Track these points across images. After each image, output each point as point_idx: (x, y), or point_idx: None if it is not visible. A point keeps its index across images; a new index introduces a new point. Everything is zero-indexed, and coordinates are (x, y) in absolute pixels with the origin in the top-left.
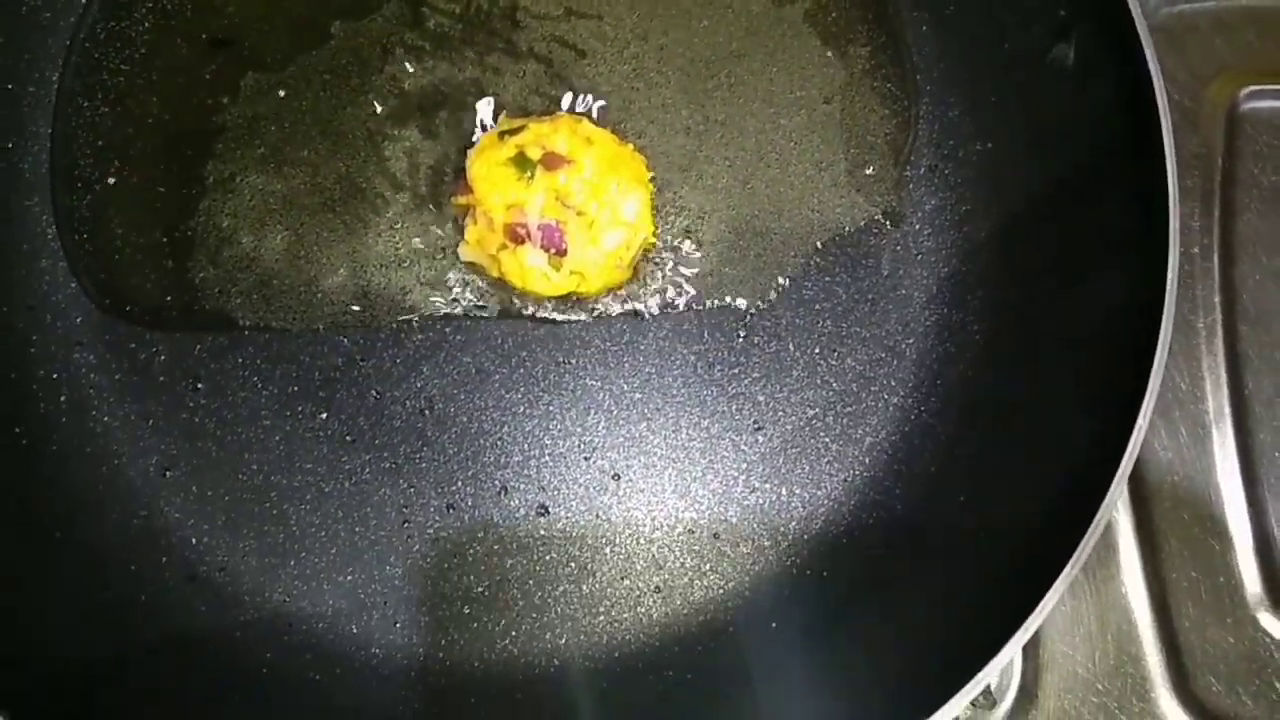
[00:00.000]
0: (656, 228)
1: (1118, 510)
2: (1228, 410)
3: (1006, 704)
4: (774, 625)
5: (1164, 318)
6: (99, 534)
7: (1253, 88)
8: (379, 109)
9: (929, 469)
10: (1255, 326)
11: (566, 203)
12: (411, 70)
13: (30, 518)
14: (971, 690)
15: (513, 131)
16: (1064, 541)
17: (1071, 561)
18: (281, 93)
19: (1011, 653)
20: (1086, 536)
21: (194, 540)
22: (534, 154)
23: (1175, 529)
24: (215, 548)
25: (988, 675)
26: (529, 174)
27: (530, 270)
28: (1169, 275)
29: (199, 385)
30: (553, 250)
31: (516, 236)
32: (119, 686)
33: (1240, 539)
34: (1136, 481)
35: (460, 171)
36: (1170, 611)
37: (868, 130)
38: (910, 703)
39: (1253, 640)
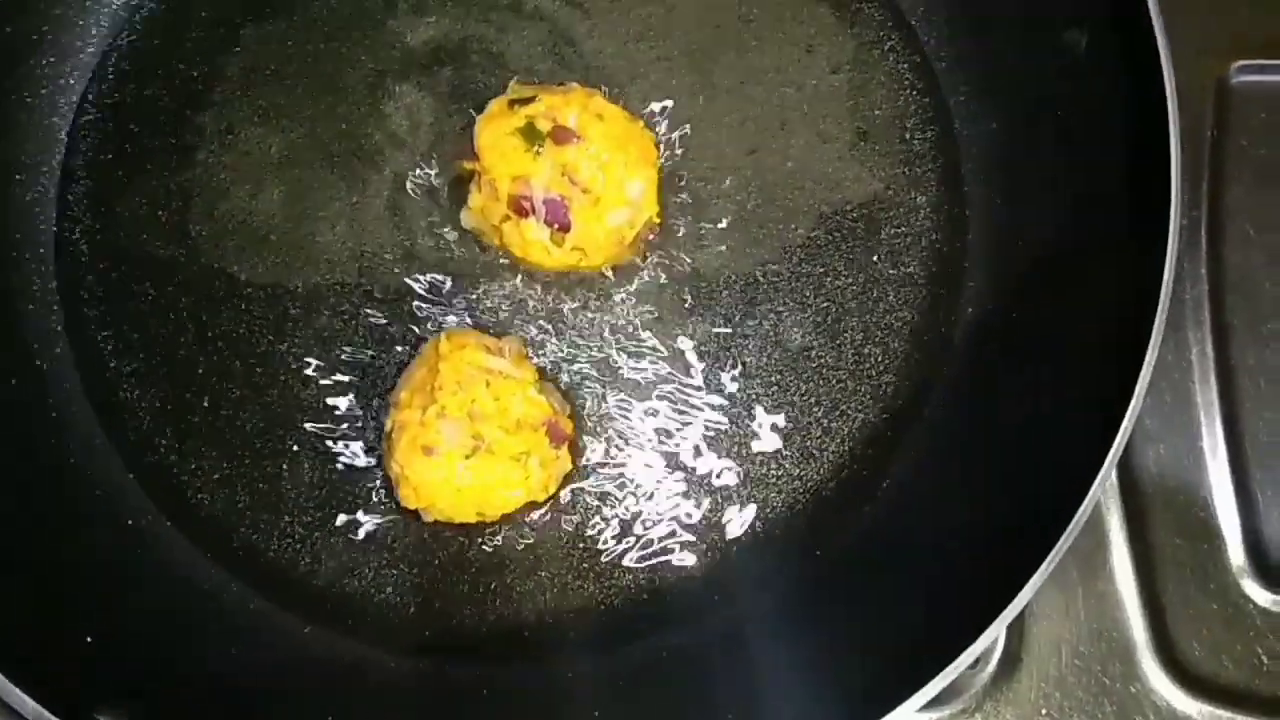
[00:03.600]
0: (662, 206)
1: None
2: (1213, 381)
3: (990, 668)
4: (758, 599)
5: (1160, 304)
6: (86, 490)
7: (1244, 62)
8: (380, 64)
9: (918, 446)
10: (1242, 298)
11: (573, 179)
12: (414, 24)
13: (21, 466)
14: (960, 664)
15: (523, 101)
16: (1052, 522)
17: (1061, 540)
18: (282, 44)
19: (997, 631)
20: (1073, 522)
21: (185, 492)
22: (543, 126)
23: (1159, 496)
24: (205, 500)
25: (978, 649)
26: (537, 146)
27: (532, 244)
28: (1167, 262)
29: (193, 339)
30: (556, 226)
31: (520, 209)
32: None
33: (1223, 506)
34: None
35: (462, 131)
36: (1154, 577)
37: (874, 104)
38: (896, 679)
39: (1235, 606)
